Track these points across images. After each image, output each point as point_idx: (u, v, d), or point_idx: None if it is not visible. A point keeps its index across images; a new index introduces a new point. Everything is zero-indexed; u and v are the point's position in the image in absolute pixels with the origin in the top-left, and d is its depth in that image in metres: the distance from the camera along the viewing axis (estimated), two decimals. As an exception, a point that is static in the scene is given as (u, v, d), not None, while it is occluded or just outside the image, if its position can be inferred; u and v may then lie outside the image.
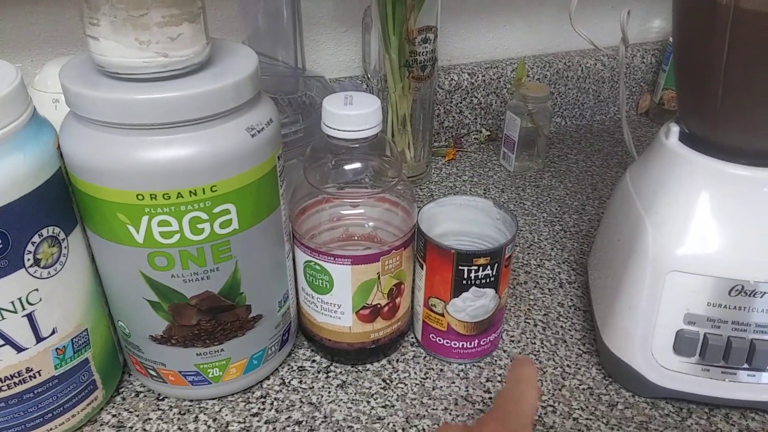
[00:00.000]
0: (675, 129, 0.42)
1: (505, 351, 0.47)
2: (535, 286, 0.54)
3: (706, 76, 0.39)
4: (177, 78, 0.33)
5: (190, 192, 0.32)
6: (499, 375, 0.45)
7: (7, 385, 0.34)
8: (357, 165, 0.40)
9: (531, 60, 0.79)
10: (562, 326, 0.50)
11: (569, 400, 0.43)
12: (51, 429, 0.37)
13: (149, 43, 0.31)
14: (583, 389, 0.44)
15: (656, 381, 0.41)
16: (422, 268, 0.43)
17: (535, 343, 0.48)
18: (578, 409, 0.42)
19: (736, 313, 0.39)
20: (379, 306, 0.42)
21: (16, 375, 0.34)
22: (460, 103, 0.77)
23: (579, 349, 0.47)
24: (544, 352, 0.47)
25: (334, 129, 0.38)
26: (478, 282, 0.42)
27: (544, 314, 0.51)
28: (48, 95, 0.45)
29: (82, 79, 0.32)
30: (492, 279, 0.42)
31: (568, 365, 0.46)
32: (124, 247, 0.34)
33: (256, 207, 0.36)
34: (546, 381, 0.44)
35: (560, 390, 0.44)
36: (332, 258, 0.40)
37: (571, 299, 0.53)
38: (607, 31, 0.70)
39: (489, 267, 0.41)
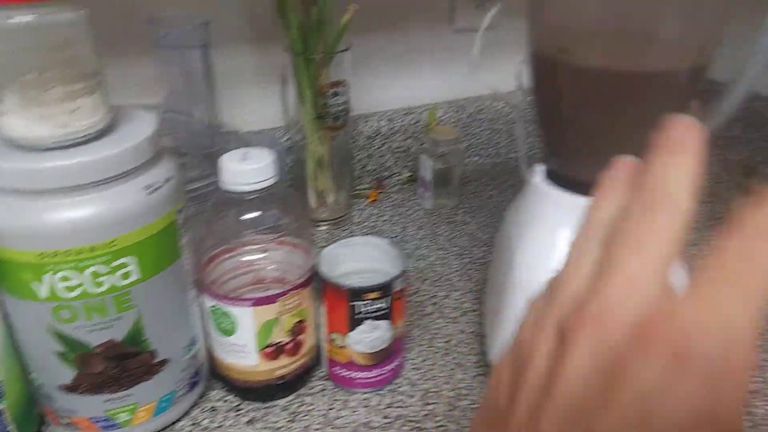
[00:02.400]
0: (540, 168, 0.48)
1: (408, 379, 0.51)
2: (440, 316, 0.59)
3: (552, 122, 0.45)
4: (77, 146, 0.36)
5: (90, 248, 0.36)
6: (399, 401, 0.49)
7: None
8: (256, 214, 0.44)
9: (446, 105, 0.86)
10: (461, 351, 0.54)
11: (459, 420, 0.47)
12: (-35, 477, 0.39)
13: (50, 117, 0.35)
14: (474, 408, 0.48)
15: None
16: (323, 305, 0.47)
17: (434, 369, 0.52)
18: (468, 427, 0.46)
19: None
20: (282, 344, 0.46)
21: (-73, 426, 0.36)
22: (381, 147, 0.82)
23: (475, 371, 0.52)
24: (442, 377, 0.51)
25: (231, 184, 0.42)
26: (371, 315, 0.46)
27: (446, 341, 0.55)
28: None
29: (-12, 151, 0.36)
30: (385, 311, 0.46)
31: (462, 387, 0.50)
32: (30, 303, 0.37)
33: (156, 259, 0.39)
34: (440, 404, 0.48)
35: (452, 411, 0.48)
36: (233, 302, 0.43)
37: (472, 326, 0.57)
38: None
39: (380, 300, 0.45)
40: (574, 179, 0.46)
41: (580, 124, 0.43)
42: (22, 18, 0.34)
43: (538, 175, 0.47)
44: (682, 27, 0.37)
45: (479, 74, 0.59)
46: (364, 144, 0.81)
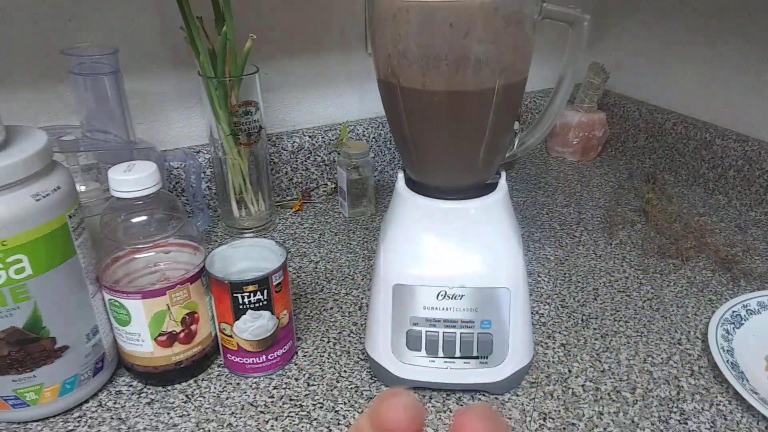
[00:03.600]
0: (401, 175, 0.54)
1: (297, 365, 0.57)
2: (338, 311, 0.65)
3: (398, 136, 0.52)
4: (-27, 160, 0.43)
5: (-16, 246, 0.42)
6: (285, 384, 0.55)
7: None
8: (143, 218, 0.50)
9: (366, 122, 0.93)
10: (349, 341, 0.60)
11: (336, 398, 0.53)
12: None
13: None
14: (352, 389, 0.54)
15: (400, 374, 0.52)
16: (211, 298, 0.53)
17: (323, 356, 0.58)
18: (342, 404, 0.52)
19: (444, 313, 0.50)
20: (174, 333, 0.52)
21: None
22: (306, 161, 0.89)
23: (357, 357, 0.58)
24: (328, 362, 0.57)
25: (117, 191, 0.48)
26: (252, 306, 0.52)
27: (338, 332, 0.61)
28: None
29: None
30: (265, 302, 0.52)
31: (344, 371, 0.56)
32: (-66, 294, 0.43)
33: (48, 257, 0.45)
34: (322, 386, 0.54)
35: (331, 391, 0.54)
36: (126, 295, 0.49)
37: (364, 320, 0.63)
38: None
39: (259, 292, 0.52)
40: (423, 184, 0.52)
41: (415, 138, 0.50)
42: None
43: (400, 181, 0.54)
44: (484, 53, 0.44)
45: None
46: (289, 158, 0.88)
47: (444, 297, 0.50)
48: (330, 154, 0.90)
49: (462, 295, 0.50)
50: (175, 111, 0.81)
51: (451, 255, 0.51)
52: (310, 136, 0.88)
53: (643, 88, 1.02)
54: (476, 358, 0.51)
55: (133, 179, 0.48)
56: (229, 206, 0.78)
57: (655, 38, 0.98)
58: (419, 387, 0.53)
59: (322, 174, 0.91)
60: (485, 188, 0.53)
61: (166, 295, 0.50)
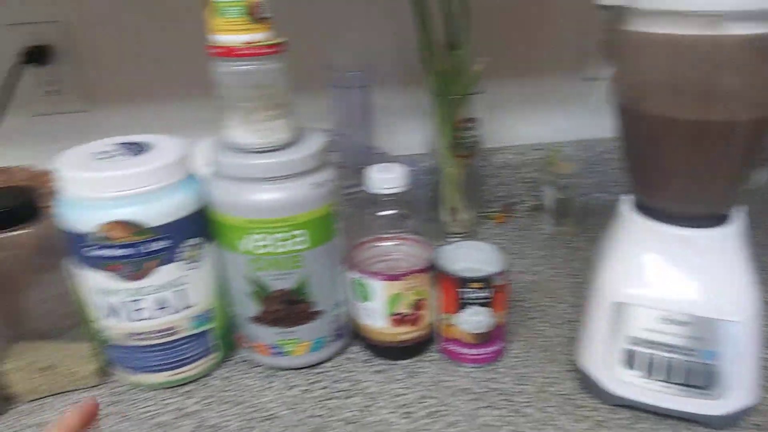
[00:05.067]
0: (627, 197, 0.56)
1: (505, 363, 0.61)
2: (544, 321, 0.68)
3: (633, 162, 0.53)
4: (273, 151, 0.53)
5: (276, 221, 0.52)
6: (495, 378, 0.59)
7: (161, 335, 0.55)
8: (389, 212, 0.58)
9: (574, 144, 0.94)
10: (557, 351, 0.63)
11: (546, 399, 0.56)
12: (181, 372, 0.57)
13: (257, 131, 0.53)
14: (562, 397, 0.57)
15: (612, 390, 0.53)
16: (437, 290, 0.59)
17: (530, 359, 0.61)
18: (552, 407, 0.55)
19: (665, 337, 0.51)
20: (405, 314, 0.59)
21: (167, 329, 0.55)
22: (510, 177, 0.93)
23: (566, 367, 0.60)
24: (536, 366, 0.60)
25: (372, 187, 0.57)
26: (475, 301, 0.57)
27: (545, 341, 0.64)
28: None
29: (220, 151, 0.54)
30: (487, 300, 0.57)
31: (553, 377, 0.59)
32: (236, 254, 0.54)
33: (319, 235, 0.55)
34: (531, 386, 0.58)
35: (541, 393, 0.57)
36: (369, 275, 0.57)
37: (572, 334, 0.65)
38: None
39: (483, 290, 0.57)
40: (655, 209, 0.54)
41: (653, 164, 0.51)
42: (246, 66, 0.51)
43: (625, 204, 0.56)
44: (736, 87, 0.44)
45: (603, 119, 0.68)
46: (496, 173, 0.93)
47: (666, 321, 0.51)
48: (535, 172, 0.94)
49: (686, 322, 0.50)
50: (400, 122, 0.90)
51: (676, 280, 0.51)
52: (518, 154, 0.93)
53: None
54: (695, 387, 0.51)
55: (388, 178, 0.56)
56: (439, 211, 0.85)
57: None
58: (631, 406, 0.54)
59: (524, 190, 0.95)
60: (720, 218, 0.52)
61: (403, 281, 0.57)
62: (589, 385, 0.56)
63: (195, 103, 0.83)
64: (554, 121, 0.95)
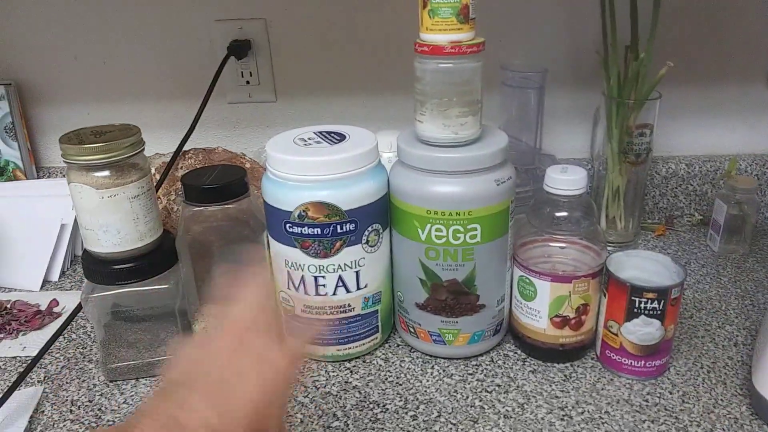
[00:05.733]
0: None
1: (669, 379, 0.59)
2: (710, 341, 0.65)
3: None
4: (460, 147, 0.56)
5: (456, 213, 0.55)
6: (659, 393, 0.57)
7: (338, 310, 0.59)
8: (564, 214, 0.58)
9: (750, 158, 0.88)
10: (725, 373, 0.60)
11: (714, 422, 0.54)
12: (349, 348, 0.61)
13: (449, 126, 0.55)
14: (731, 420, 0.54)
15: (795, 420, 0.50)
16: (605, 296, 0.59)
17: (696, 379, 0.59)
18: (721, 429, 0.53)
19: None
20: (567, 317, 0.59)
21: (343, 306, 0.59)
22: (676, 188, 0.89)
23: (736, 391, 0.57)
24: (703, 386, 0.58)
25: (551, 188, 0.57)
26: (646, 312, 0.56)
27: (712, 362, 0.61)
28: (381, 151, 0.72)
29: (409, 143, 0.57)
30: (659, 312, 0.56)
31: (721, 399, 0.56)
32: (412, 242, 0.57)
33: (493, 230, 0.56)
34: (698, 406, 0.56)
35: (709, 414, 0.55)
36: (538, 275, 0.58)
37: (741, 357, 0.62)
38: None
39: (656, 301, 0.55)
40: None
41: None
42: (446, 64, 0.54)
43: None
44: None
45: None
46: (660, 183, 0.89)
47: None
48: (703, 185, 0.89)
49: None
50: (565, 125, 0.89)
51: None
52: (687, 164, 0.88)
53: None
54: None
55: (568, 179, 0.56)
56: (597, 218, 0.83)
57: None
58: (816, 439, 0.50)
59: (689, 203, 0.90)
60: None
61: (571, 284, 0.57)
62: (763, 412, 0.53)
63: (370, 97, 0.88)
64: (733, 132, 0.89)
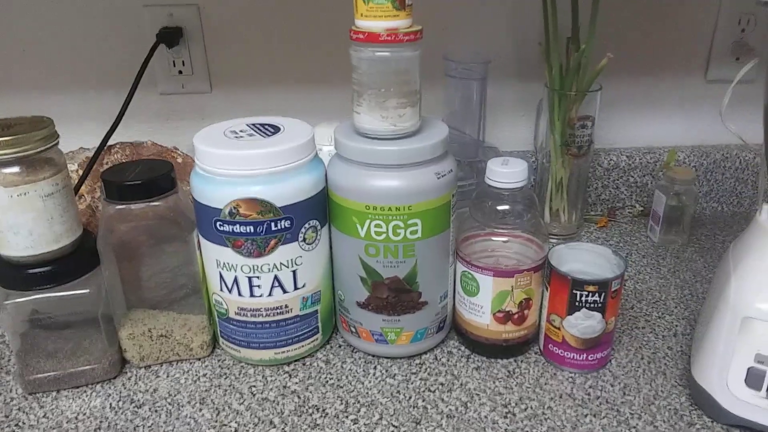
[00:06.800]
0: (766, 207, 0.53)
1: (611, 372, 0.59)
2: (651, 332, 0.65)
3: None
4: (399, 139, 0.54)
5: (396, 208, 0.53)
6: (600, 386, 0.57)
7: (274, 312, 0.56)
8: (505, 207, 0.57)
9: (689, 149, 0.90)
10: (665, 363, 0.60)
11: (655, 414, 0.54)
12: (287, 351, 0.59)
13: (387, 118, 0.53)
14: (671, 411, 0.54)
15: (730, 409, 0.51)
16: (547, 290, 0.58)
17: (637, 370, 0.59)
18: (661, 421, 0.53)
19: (801, 360, 0.48)
20: (510, 312, 0.58)
21: (280, 308, 0.56)
22: (617, 180, 0.90)
23: (676, 381, 0.58)
24: (643, 378, 0.58)
25: (493, 180, 0.56)
26: (587, 305, 0.55)
27: (653, 352, 0.62)
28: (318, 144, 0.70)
29: (347, 135, 0.55)
30: (600, 305, 0.55)
31: (662, 390, 0.56)
32: (351, 239, 0.55)
33: (434, 225, 0.55)
34: (638, 398, 0.56)
35: (649, 406, 0.55)
36: (480, 270, 0.57)
37: (681, 347, 0.63)
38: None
39: (597, 294, 0.55)
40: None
41: None
42: (382, 53, 0.52)
43: (764, 213, 0.52)
44: None
45: (728, 124, 0.64)
46: (602, 175, 0.89)
47: (804, 342, 0.47)
48: (644, 176, 0.90)
49: (828, 345, 0.47)
50: (506, 117, 0.88)
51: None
52: (627, 156, 0.89)
53: None
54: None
55: (509, 172, 0.55)
56: (540, 211, 0.83)
57: None
58: (748, 427, 0.51)
59: (630, 195, 0.91)
60: None
61: (513, 278, 0.57)
62: (702, 402, 0.53)
63: (310, 88, 0.85)
64: (672, 124, 0.90)
